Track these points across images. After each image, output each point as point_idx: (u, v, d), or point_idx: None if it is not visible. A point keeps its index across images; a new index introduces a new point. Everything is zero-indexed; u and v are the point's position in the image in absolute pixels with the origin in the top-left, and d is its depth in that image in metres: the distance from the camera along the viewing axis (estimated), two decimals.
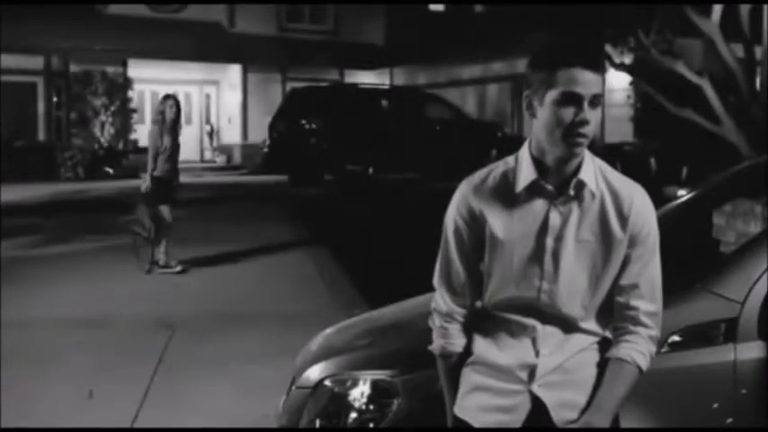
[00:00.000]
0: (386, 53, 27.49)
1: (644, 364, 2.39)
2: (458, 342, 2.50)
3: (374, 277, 9.11)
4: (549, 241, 2.36)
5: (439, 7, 27.63)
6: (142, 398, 5.86)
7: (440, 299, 2.53)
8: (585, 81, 2.28)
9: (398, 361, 3.27)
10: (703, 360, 2.97)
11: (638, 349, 2.38)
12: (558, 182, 2.36)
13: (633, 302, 2.40)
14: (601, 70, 2.34)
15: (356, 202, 15.97)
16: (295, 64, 27.03)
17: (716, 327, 2.97)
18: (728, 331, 2.96)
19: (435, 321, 2.55)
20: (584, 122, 2.28)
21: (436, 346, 2.54)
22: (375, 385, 3.24)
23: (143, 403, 5.77)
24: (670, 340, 2.94)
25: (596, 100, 2.30)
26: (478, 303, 2.49)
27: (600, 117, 2.34)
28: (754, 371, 2.95)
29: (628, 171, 2.54)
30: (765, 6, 11.07)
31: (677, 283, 2.91)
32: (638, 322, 2.40)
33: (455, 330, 2.51)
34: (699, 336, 2.98)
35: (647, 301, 2.40)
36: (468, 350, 2.50)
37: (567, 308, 2.38)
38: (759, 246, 3.11)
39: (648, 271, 2.41)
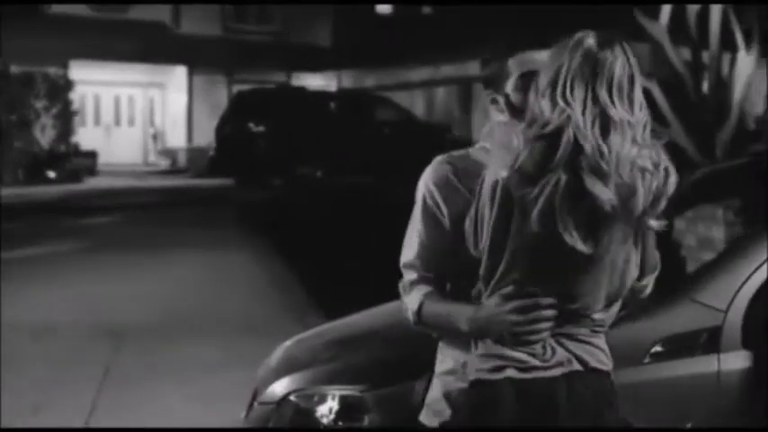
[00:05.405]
0: (333, 56, 27.35)
1: None
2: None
3: (326, 282, 8.96)
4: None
5: (386, 9, 27.54)
6: (90, 408, 5.67)
7: None
8: None
9: (368, 374, 3.12)
10: (686, 371, 2.88)
11: None
12: None
13: None
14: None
15: (305, 206, 15.77)
16: (241, 66, 26.76)
17: (699, 336, 2.89)
18: (712, 341, 2.88)
19: None
20: None
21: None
22: (344, 401, 3.10)
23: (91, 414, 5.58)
24: (652, 350, 2.86)
25: None
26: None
27: None
28: (738, 381, 2.87)
29: None
30: (712, 9, 11.12)
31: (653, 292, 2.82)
32: None
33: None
34: (681, 346, 2.89)
35: None
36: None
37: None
38: (741, 253, 3.04)
39: None
